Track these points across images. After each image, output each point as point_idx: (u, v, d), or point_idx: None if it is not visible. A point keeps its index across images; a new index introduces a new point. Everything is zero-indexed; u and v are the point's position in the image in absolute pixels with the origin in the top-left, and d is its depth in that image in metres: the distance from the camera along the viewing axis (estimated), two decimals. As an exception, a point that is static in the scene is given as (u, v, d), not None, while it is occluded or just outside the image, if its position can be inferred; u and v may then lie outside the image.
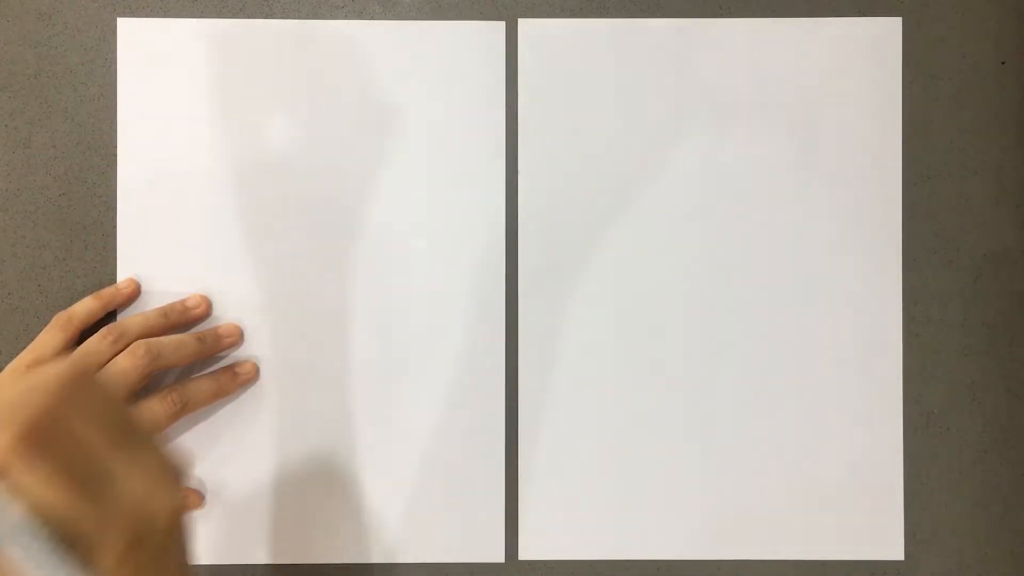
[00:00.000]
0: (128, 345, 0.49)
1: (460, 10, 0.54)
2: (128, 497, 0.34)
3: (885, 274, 0.54)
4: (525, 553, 0.53)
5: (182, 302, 0.52)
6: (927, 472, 0.53)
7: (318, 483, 0.52)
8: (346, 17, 0.54)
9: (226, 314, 0.53)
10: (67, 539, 0.31)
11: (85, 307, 0.51)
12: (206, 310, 0.53)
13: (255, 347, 0.53)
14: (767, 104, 0.54)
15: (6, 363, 0.50)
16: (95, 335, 0.50)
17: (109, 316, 0.52)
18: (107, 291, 0.52)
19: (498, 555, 0.53)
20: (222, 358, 0.53)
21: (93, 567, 0.31)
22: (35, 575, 0.30)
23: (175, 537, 0.36)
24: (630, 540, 0.53)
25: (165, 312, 0.51)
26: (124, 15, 0.53)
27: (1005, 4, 0.54)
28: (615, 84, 0.54)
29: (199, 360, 0.52)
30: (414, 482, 0.53)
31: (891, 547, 0.53)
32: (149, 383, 0.50)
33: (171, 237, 0.53)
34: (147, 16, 0.53)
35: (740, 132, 0.54)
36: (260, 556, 0.52)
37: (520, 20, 0.54)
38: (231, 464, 0.53)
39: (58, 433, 0.32)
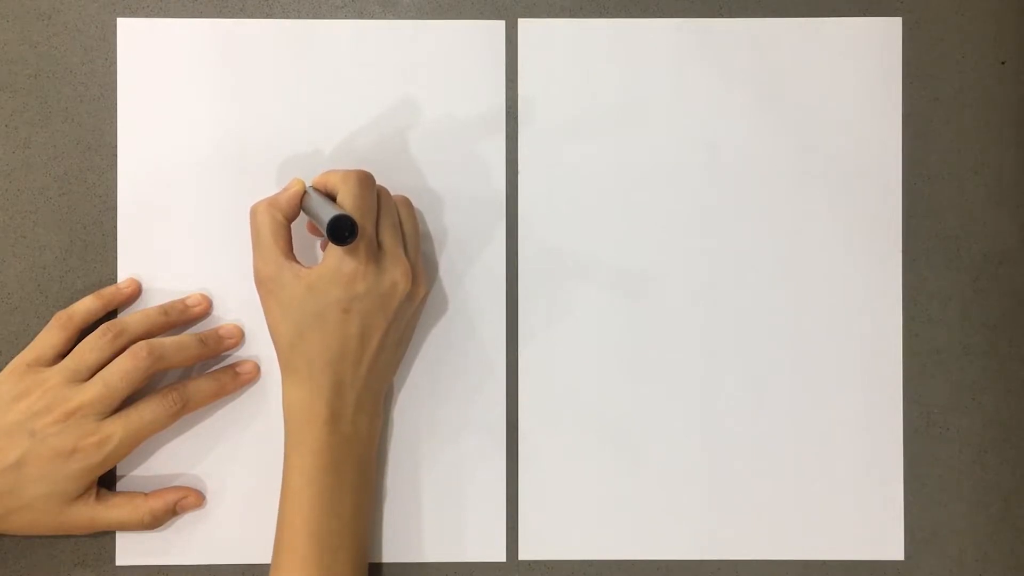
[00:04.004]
0: (128, 342, 0.50)
1: (460, 10, 0.54)
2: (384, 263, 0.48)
3: (885, 274, 0.54)
4: (525, 553, 0.53)
5: (182, 300, 0.52)
6: (927, 472, 0.53)
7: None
8: (346, 17, 0.54)
9: (226, 314, 0.53)
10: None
11: (85, 306, 0.51)
12: (206, 308, 0.53)
13: (255, 347, 0.53)
14: (767, 104, 0.54)
15: (6, 363, 0.50)
16: (95, 331, 0.50)
17: (109, 316, 0.52)
18: (107, 290, 0.52)
19: (498, 555, 0.53)
20: (223, 357, 0.53)
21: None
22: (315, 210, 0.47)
23: (416, 305, 0.51)
24: (630, 540, 0.53)
25: (165, 310, 0.51)
26: (124, 15, 0.53)
27: (1005, 4, 0.54)
28: (615, 84, 0.54)
29: (201, 361, 0.52)
30: (414, 482, 0.53)
31: (891, 547, 0.53)
32: (149, 382, 0.50)
33: (171, 237, 0.53)
34: (147, 16, 0.53)
35: (740, 132, 0.54)
36: (260, 556, 0.52)
37: (520, 20, 0.54)
38: (231, 464, 0.53)
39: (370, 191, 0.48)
